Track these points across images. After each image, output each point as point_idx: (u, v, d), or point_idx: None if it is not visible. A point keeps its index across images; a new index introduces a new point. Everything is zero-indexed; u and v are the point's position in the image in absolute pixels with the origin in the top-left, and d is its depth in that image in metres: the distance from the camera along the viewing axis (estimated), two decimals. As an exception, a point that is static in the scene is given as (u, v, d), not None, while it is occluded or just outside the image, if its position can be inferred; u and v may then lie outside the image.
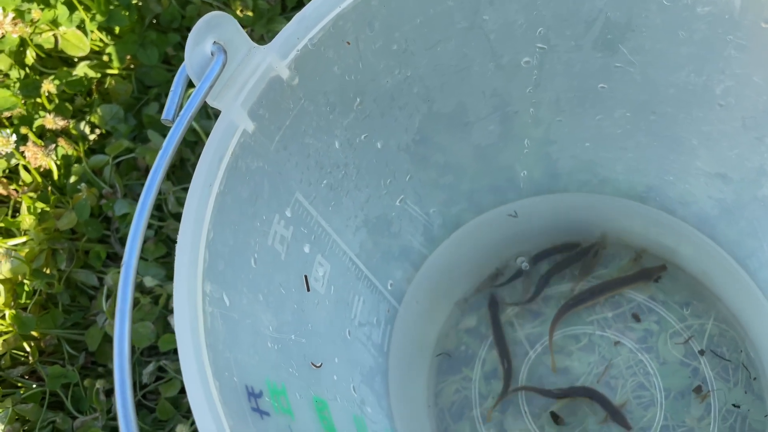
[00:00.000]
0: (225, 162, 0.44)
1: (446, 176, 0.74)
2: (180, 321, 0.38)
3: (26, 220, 0.87)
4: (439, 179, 0.74)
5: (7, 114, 0.93)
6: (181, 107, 0.43)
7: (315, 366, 0.55)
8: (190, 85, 0.44)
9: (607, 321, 0.87)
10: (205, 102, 0.44)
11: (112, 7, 0.95)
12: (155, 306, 0.84)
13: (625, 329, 0.86)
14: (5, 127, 0.93)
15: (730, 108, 0.59)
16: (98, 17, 0.94)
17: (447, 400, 0.89)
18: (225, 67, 0.44)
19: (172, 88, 0.43)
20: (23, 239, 0.87)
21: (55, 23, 0.94)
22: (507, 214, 0.83)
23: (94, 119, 0.95)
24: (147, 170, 0.95)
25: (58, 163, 0.92)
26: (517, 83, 0.64)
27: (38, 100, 0.95)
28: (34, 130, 0.92)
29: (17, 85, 0.94)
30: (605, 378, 0.83)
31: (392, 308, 0.77)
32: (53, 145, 0.89)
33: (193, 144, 0.95)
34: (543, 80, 0.64)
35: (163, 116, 0.42)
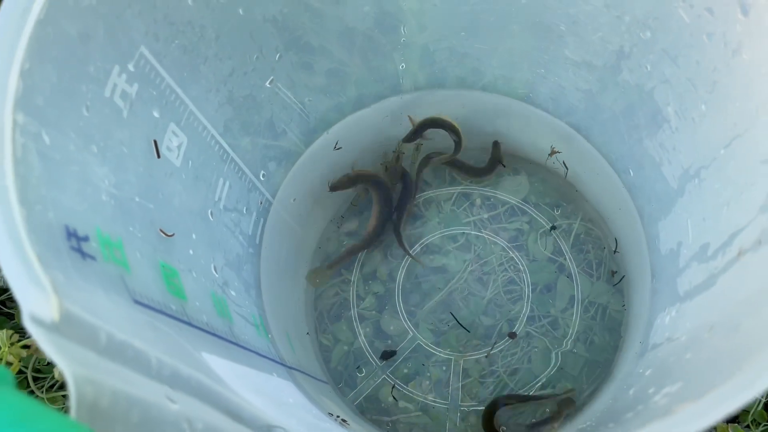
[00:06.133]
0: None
1: (321, 62, 0.71)
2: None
3: None
4: (313, 64, 0.71)
5: None
6: None
7: (165, 234, 0.52)
8: None
9: (483, 222, 0.89)
10: None
11: None
12: None
13: (498, 230, 0.88)
14: None
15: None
16: None
17: (326, 303, 0.88)
18: None
19: None
20: None
21: None
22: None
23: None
24: None
25: None
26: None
27: None
28: None
29: None
30: (479, 274, 0.86)
31: (266, 201, 0.75)
32: None
33: None
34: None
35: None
